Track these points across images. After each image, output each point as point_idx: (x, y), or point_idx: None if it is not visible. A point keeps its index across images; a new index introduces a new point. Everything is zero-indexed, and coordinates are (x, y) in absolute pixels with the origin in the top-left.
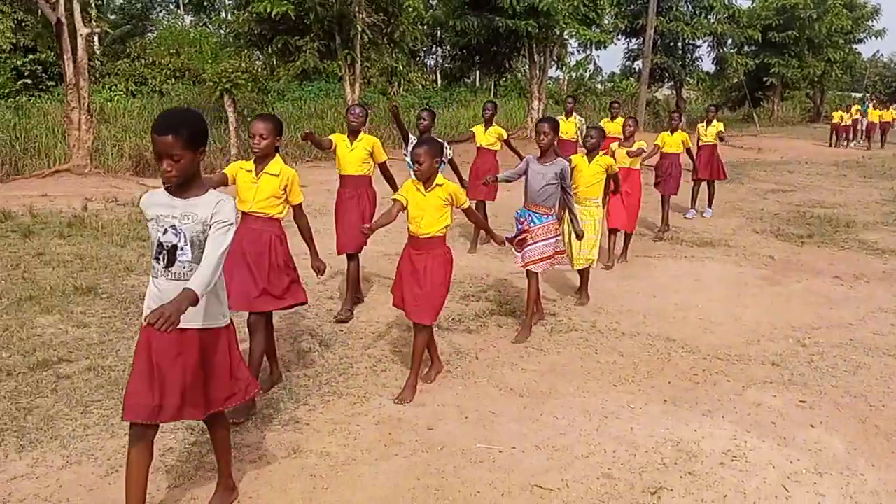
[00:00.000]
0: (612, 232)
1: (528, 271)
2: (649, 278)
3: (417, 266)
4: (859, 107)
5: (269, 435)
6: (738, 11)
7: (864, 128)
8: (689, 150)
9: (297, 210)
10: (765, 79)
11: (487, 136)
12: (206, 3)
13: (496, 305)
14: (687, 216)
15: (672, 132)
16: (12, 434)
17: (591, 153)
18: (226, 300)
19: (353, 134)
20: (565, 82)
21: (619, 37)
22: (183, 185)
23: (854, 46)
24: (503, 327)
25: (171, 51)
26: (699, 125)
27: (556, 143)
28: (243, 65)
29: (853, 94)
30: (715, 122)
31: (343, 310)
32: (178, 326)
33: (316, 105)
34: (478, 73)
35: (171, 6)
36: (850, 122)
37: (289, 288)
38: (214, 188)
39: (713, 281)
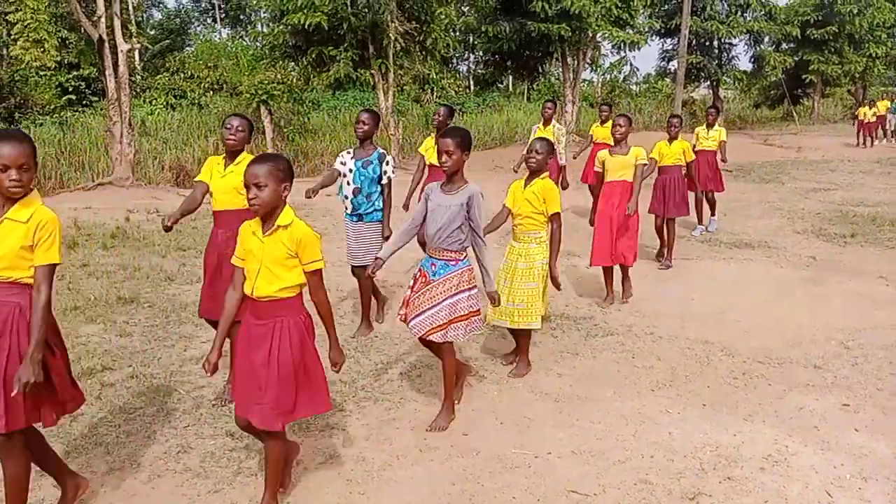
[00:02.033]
0: (605, 271)
1: (430, 342)
2: (687, 280)
3: (254, 342)
4: (888, 104)
5: (305, 441)
6: (775, 8)
7: (893, 127)
8: (689, 165)
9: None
10: (804, 76)
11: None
12: (241, 17)
13: None
14: (694, 234)
15: (671, 141)
16: (59, 441)
17: (532, 175)
18: None
19: (231, 156)
20: (599, 84)
21: (654, 37)
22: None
23: None
24: (537, 332)
25: (209, 64)
26: (698, 129)
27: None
28: (279, 76)
29: None
30: (717, 127)
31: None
32: None
33: (350, 115)
34: (510, 77)
35: (209, 21)
36: (873, 118)
37: None
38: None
39: (753, 282)
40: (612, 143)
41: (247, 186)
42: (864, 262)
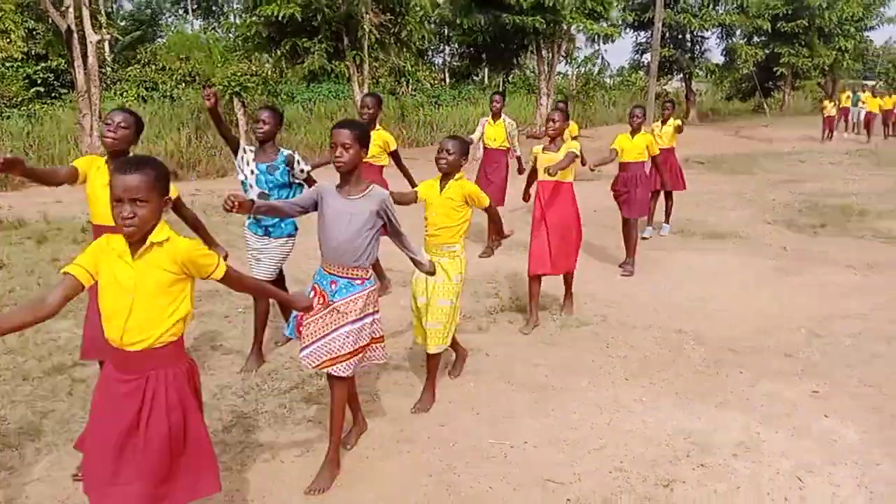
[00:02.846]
0: (535, 280)
1: (328, 375)
2: (660, 271)
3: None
4: (849, 94)
5: (281, 434)
6: (746, 2)
7: (859, 119)
8: (654, 159)
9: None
10: (775, 69)
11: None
12: (214, 8)
13: (507, 302)
14: (644, 235)
15: (633, 134)
16: (28, 438)
17: (445, 178)
18: None
19: (115, 158)
20: (574, 78)
21: (627, 30)
22: None
23: (866, 34)
24: (514, 323)
25: (181, 56)
26: (653, 125)
27: (362, 164)
28: (252, 68)
29: (866, 82)
30: (672, 120)
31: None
32: None
33: (326, 107)
34: (486, 70)
35: (180, 11)
36: (833, 112)
37: None
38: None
39: (725, 273)
40: (549, 139)
41: (118, 201)
42: (834, 252)
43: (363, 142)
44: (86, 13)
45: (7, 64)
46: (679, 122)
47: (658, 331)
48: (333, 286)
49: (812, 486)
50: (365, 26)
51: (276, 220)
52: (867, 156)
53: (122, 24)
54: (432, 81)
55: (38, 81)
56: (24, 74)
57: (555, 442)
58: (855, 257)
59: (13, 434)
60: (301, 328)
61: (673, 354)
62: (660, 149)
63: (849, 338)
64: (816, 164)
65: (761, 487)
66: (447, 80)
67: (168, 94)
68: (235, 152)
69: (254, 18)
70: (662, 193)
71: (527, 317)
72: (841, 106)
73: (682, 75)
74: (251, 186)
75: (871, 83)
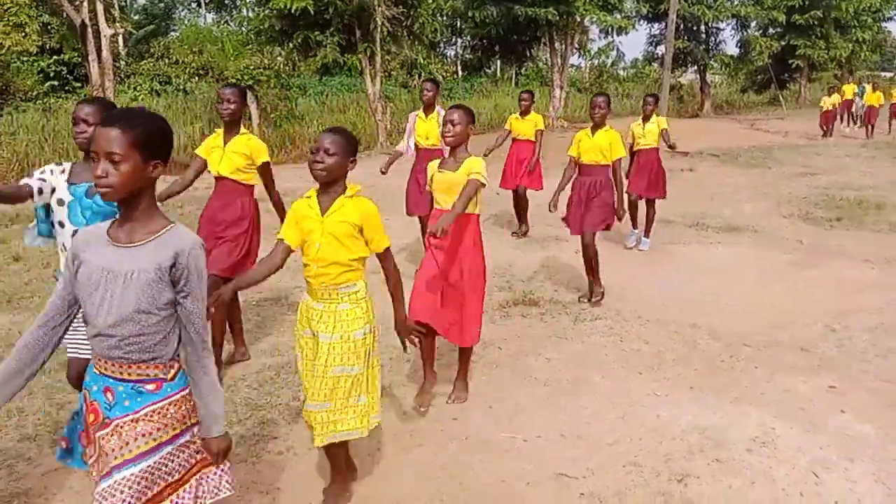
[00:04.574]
0: (428, 335)
1: None
2: (675, 265)
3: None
4: (854, 88)
5: (294, 428)
6: None
7: (861, 112)
8: (616, 165)
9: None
10: (791, 61)
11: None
12: (227, 2)
13: (520, 295)
14: (629, 244)
15: (594, 131)
16: (46, 429)
17: (324, 186)
18: None
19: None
20: (587, 70)
21: (641, 22)
22: None
23: (883, 24)
24: (527, 317)
25: (194, 49)
26: (632, 124)
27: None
28: (265, 61)
29: (883, 74)
30: (655, 117)
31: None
32: None
33: (338, 100)
34: (498, 62)
35: (193, 5)
36: (831, 107)
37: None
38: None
39: (740, 267)
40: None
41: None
42: (850, 246)
43: (150, 152)
44: (100, 7)
45: (23, 58)
46: (667, 126)
47: (672, 325)
48: (109, 396)
49: (828, 482)
50: (377, 19)
51: None
52: (883, 148)
53: (136, 17)
54: (444, 74)
55: (52, 75)
56: (39, 68)
57: (568, 436)
58: (872, 251)
59: (31, 425)
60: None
61: (687, 349)
62: (641, 149)
63: (865, 332)
64: (832, 157)
65: (777, 483)
66: (459, 72)
67: (181, 87)
68: (17, 201)
69: (266, 12)
70: (644, 202)
71: (423, 394)
72: (844, 99)
73: (696, 67)
74: (61, 225)
75: (889, 74)
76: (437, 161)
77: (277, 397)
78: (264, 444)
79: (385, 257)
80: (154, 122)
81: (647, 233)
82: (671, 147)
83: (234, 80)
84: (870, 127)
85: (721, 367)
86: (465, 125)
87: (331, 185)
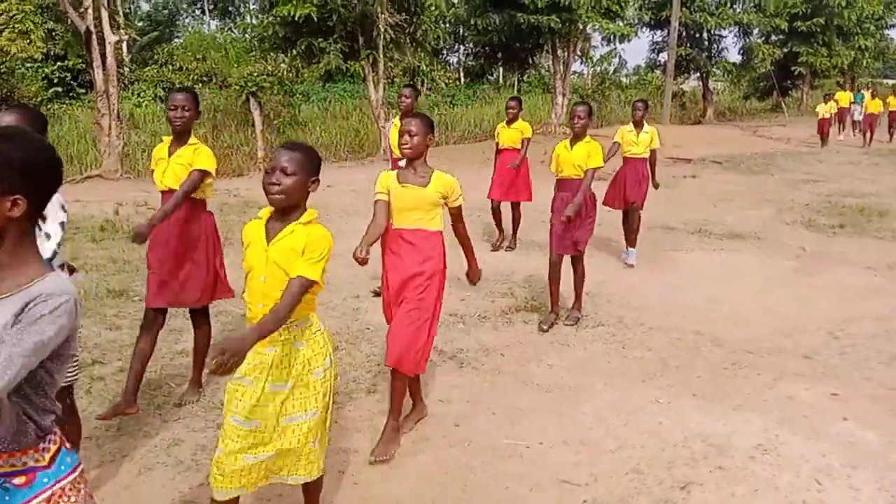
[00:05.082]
0: (396, 376)
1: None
2: (678, 272)
3: None
4: (850, 95)
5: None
6: (764, 0)
7: (859, 119)
8: (588, 174)
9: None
10: (793, 68)
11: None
12: (230, 9)
13: (522, 302)
14: (627, 259)
15: (573, 143)
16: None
17: (282, 214)
18: None
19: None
20: (589, 77)
21: (644, 29)
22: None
23: (886, 32)
24: (529, 323)
25: (198, 56)
26: (623, 128)
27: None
28: (268, 68)
29: (886, 81)
30: (648, 128)
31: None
32: None
33: (341, 106)
34: (501, 70)
35: (197, 12)
36: (826, 114)
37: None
38: None
39: (743, 273)
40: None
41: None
42: (853, 253)
43: (20, 185)
44: (104, 14)
45: (27, 65)
46: (657, 137)
47: (675, 332)
48: None
49: (831, 490)
50: (380, 26)
51: None
52: (886, 155)
53: (140, 24)
54: (447, 81)
55: (57, 81)
56: (43, 75)
57: (570, 442)
58: (874, 258)
59: None
60: None
61: (690, 356)
62: (631, 158)
63: (868, 340)
64: (835, 164)
65: (780, 490)
66: (462, 79)
67: None
68: None
69: (270, 19)
70: (626, 214)
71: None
72: (839, 107)
73: (698, 74)
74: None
75: (891, 82)
76: (391, 173)
77: None
78: None
79: (304, 287)
80: (17, 148)
81: (633, 243)
82: (655, 187)
83: (237, 87)
84: (869, 135)
85: (724, 375)
86: (424, 136)
87: (288, 210)
